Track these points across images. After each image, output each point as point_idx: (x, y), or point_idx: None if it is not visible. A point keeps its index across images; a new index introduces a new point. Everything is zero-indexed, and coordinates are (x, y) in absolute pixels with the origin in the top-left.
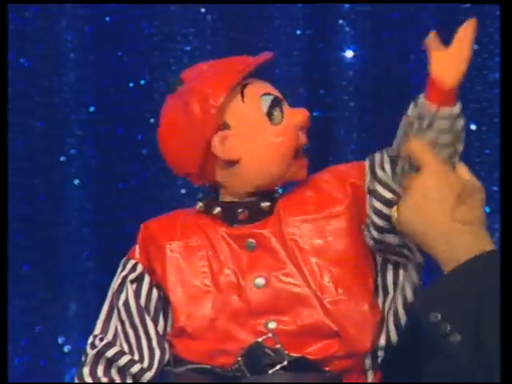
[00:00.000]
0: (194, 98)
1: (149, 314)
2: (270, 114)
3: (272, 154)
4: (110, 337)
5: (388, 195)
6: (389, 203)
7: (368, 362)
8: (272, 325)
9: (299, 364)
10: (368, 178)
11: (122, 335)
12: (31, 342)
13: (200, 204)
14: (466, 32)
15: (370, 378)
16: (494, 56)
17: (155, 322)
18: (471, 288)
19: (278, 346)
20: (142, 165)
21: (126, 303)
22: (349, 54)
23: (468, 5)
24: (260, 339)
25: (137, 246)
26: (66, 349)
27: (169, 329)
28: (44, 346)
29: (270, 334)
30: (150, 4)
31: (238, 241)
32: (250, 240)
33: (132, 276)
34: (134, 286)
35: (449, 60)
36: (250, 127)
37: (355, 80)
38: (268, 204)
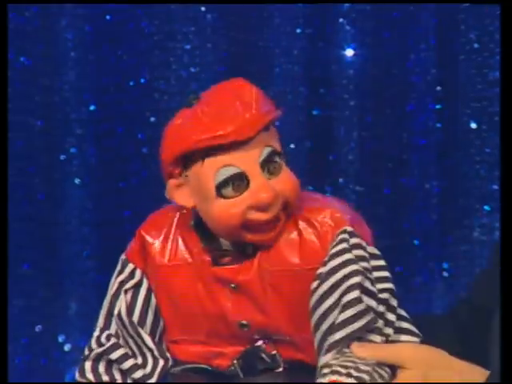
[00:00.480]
0: (167, 137)
1: (143, 326)
2: (218, 189)
3: (213, 222)
4: (113, 332)
5: None
6: None
7: None
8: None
9: (295, 369)
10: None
11: (122, 340)
12: (31, 340)
13: (191, 223)
14: None
15: None
16: (494, 55)
17: (154, 328)
18: None
19: (275, 352)
20: (142, 163)
21: (119, 316)
22: (349, 52)
23: (468, 4)
24: (256, 344)
25: (136, 249)
26: (67, 348)
27: None
28: (44, 345)
29: (267, 341)
30: (150, 3)
31: (222, 278)
32: (232, 284)
33: (129, 284)
34: (129, 296)
35: None
36: (201, 190)
37: (355, 79)
38: (251, 247)
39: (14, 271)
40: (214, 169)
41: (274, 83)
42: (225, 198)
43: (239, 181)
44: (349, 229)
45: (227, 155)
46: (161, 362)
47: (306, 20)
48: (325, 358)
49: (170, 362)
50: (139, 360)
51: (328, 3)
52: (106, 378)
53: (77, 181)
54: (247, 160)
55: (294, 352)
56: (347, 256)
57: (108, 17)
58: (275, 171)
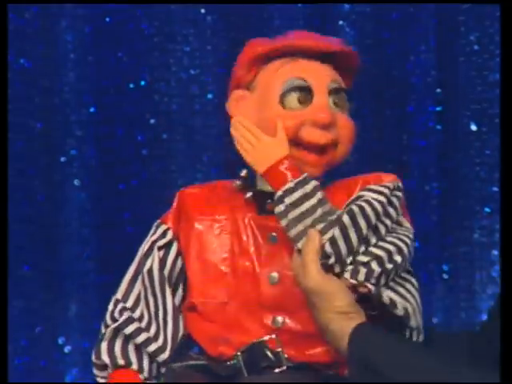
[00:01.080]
0: (248, 44)
1: (170, 284)
2: (283, 96)
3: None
4: (130, 303)
5: None
6: None
7: None
8: (279, 321)
9: (299, 369)
10: None
11: (143, 301)
12: (31, 342)
13: (237, 182)
14: None
15: None
16: (494, 57)
17: (175, 291)
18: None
19: (280, 349)
20: (141, 165)
21: (150, 271)
22: None
23: (468, 5)
24: (263, 338)
25: (171, 211)
26: (66, 349)
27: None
28: (44, 347)
29: (274, 336)
30: (150, 4)
31: (262, 231)
32: (273, 233)
33: (161, 242)
34: (162, 252)
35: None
36: (265, 100)
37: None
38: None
39: (13, 273)
40: (286, 77)
41: None
42: (286, 108)
43: (304, 94)
44: (397, 183)
45: (301, 69)
46: (170, 328)
47: (305, 21)
48: None
49: (181, 332)
50: (152, 331)
51: (328, 3)
52: (121, 362)
53: (77, 182)
54: (318, 80)
55: (298, 353)
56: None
57: (108, 18)
58: (340, 105)
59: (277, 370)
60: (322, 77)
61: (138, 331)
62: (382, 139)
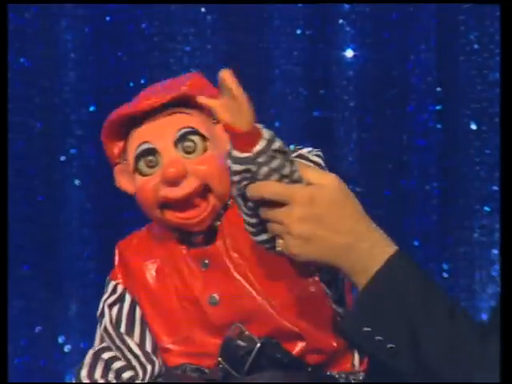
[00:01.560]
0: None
1: (132, 336)
2: (136, 165)
3: (140, 202)
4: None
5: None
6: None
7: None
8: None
9: (272, 344)
10: None
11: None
12: (31, 341)
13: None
14: (227, 82)
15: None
16: (494, 56)
17: (142, 339)
18: (392, 295)
19: (246, 332)
20: None
21: (106, 330)
22: (349, 53)
23: (468, 5)
24: (228, 335)
25: (116, 266)
26: (66, 349)
27: None
28: (44, 346)
29: (235, 325)
30: (150, 4)
31: (195, 261)
32: (205, 260)
33: (110, 300)
34: (115, 310)
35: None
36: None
37: (355, 80)
38: (219, 223)
39: (13, 272)
40: (135, 145)
41: (274, 84)
42: (143, 175)
43: (151, 157)
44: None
45: (145, 132)
46: (148, 368)
47: (305, 21)
48: None
49: (157, 368)
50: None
51: (328, 3)
52: (102, 381)
53: (77, 182)
54: (161, 137)
55: (260, 329)
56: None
57: (108, 18)
58: (192, 151)
59: (254, 352)
60: (164, 133)
61: (116, 358)
62: (382, 139)
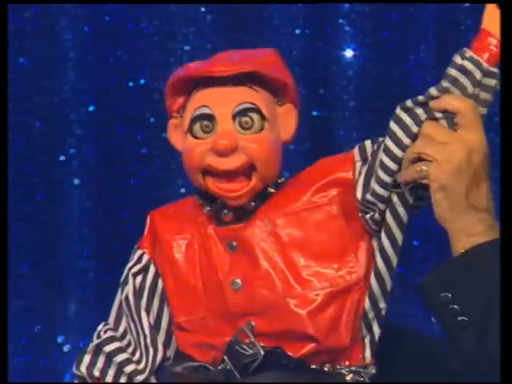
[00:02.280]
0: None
1: (147, 310)
2: (190, 126)
3: (185, 163)
4: (121, 330)
5: (398, 153)
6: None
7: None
8: (252, 325)
9: (276, 354)
10: (359, 159)
11: (128, 328)
12: (31, 341)
13: (198, 197)
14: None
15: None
16: None
17: (159, 315)
18: (483, 273)
19: (252, 339)
20: (141, 164)
21: (126, 298)
22: (348, 53)
23: (467, 5)
24: (235, 335)
25: (145, 235)
26: (66, 348)
27: None
28: (43, 346)
29: (243, 328)
30: (150, 4)
31: (222, 241)
32: (232, 242)
33: (135, 268)
34: (138, 279)
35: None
36: (184, 127)
37: (355, 79)
38: (253, 204)
39: (13, 271)
40: (194, 107)
41: None
42: (195, 137)
43: (208, 122)
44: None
45: (207, 97)
46: (150, 352)
47: (305, 21)
48: None
49: (159, 355)
50: (137, 353)
51: (328, 3)
52: (96, 374)
53: (76, 181)
54: (222, 106)
55: (273, 325)
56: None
57: (107, 17)
58: (248, 127)
59: (258, 360)
60: (226, 102)
61: (118, 350)
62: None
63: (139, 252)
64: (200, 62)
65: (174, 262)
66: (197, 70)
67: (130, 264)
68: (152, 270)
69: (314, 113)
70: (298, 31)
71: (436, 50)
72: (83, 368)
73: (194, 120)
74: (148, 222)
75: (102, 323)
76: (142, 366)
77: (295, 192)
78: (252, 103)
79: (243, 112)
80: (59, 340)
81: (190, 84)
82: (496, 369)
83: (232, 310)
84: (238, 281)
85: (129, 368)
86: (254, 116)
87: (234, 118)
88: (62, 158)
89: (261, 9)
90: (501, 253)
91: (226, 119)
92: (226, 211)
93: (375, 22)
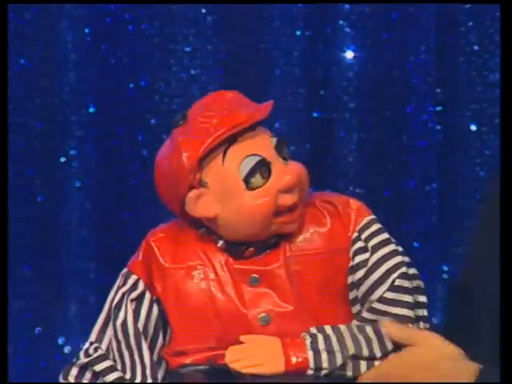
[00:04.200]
0: (175, 151)
1: (146, 336)
2: (247, 180)
3: (244, 217)
4: (104, 347)
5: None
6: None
7: None
8: None
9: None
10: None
11: (116, 353)
12: (31, 343)
13: (202, 230)
14: None
15: None
16: (494, 57)
17: (154, 341)
18: None
19: None
20: (142, 166)
21: (124, 324)
22: (349, 54)
23: (468, 6)
24: None
25: (139, 259)
26: (67, 350)
27: (167, 342)
28: (44, 347)
29: None
30: (151, 4)
31: (241, 275)
32: (254, 275)
33: (133, 295)
34: (134, 305)
35: None
36: (226, 190)
37: (355, 81)
38: (274, 238)
39: (14, 273)
40: (237, 162)
41: (273, 85)
42: (252, 189)
43: (264, 167)
44: (374, 217)
45: (245, 146)
46: (149, 380)
47: (305, 22)
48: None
49: (160, 379)
50: (127, 375)
51: (328, 3)
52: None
53: (77, 183)
54: (264, 147)
55: None
56: (393, 246)
57: (108, 18)
58: (286, 156)
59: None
60: (264, 143)
61: (110, 369)
62: (382, 139)
63: (134, 277)
64: (214, 123)
65: (182, 292)
66: (232, 127)
67: (123, 288)
68: (147, 297)
69: (315, 114)
70: (298, 32)
71: (436, 50)
72: (71, 378)
73: (251, 172)
74: (144, 246)
75: (87, 343)
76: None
77: (314, 232)
78: (277, 137)
79: (278, 144)
80: (60, 341)
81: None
82: None
83: None
84: (266, 315)
85: None
86: (283, 143)
87: (277, 153)
88: (62, 159)
89: (261, 10)
90: (501, 253)
91: (274, 157)
92: (245, 247)
93: (375, 23)
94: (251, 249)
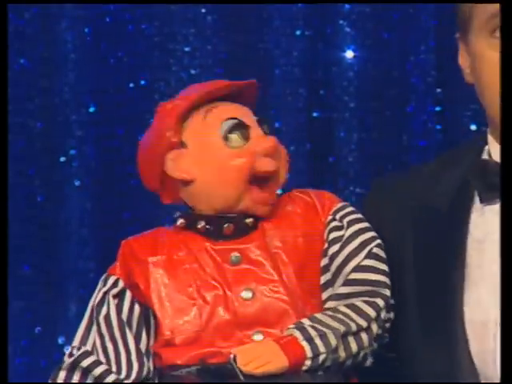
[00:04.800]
0: (156, 117)
1: (130, 329)
2: (226, 137)
3: (224, 175)
4: (88, 348)
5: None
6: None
7: None
8: (258, 337)
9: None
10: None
11: (100, 349)
12: (31, 342)
13: (181, 220)
14: None
15: None
16: None
17: (137, 337)
18: None
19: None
20: None
21: (107, 317)
22: (349, 54)
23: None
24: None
25: (117, 263)
26: (67, 349)
27: (152, 343)
28: (44, 347)
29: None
30: (150, 4)
31: (222, 255)
32: (235, 254)
33: (114, 291)
34: (116, 300)
35: None
36: (206, 148)
37: (355, 80)
38: (251, 220)
39: (13, 273)
40: (218, 121)
41: (273, 85)
42: (231, 148)
43: (244, 130)
44: (348, 203)
45: (226, 110)
46: (135, 366)
47: (305, 22)
48: (331, 302)
49: (145, 369)
50: (113, 368)
51: (328, 3)
52: None
53: (77, 182)
54: (246, 116)
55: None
56: (367, 224)
57: (108, 18)
58: (267, 132)
59: None
60: (245, 113)
61: (96, 363)
62: (382, 139)
63: (113, 278)
64: (185, 92)
65: (165, 282)
66: (206, 90)
67: (104, 288)
68: (128, 295)
69: (315, 114)
70: (298, 32)
71: (436, 50)
72: (61, 381)
73: (230, 131)
74: (121, 250)
75: (70, 347)
76: (123, 375)
77: (293, 217)
78: (260, 116)
79: (260, 121)
80: (60, 341)
81: (183, 116)
82: None
83: (240, 320)
84: (248, 291)
85: (110, 378)
86: (267, 125)
87: (258, 124)
88: (62, 159)
89: (261, 9)
90: (501, 253)
91: (255, 126)
92: (226, 224)
93: (375, 23)
94: (231, 225)
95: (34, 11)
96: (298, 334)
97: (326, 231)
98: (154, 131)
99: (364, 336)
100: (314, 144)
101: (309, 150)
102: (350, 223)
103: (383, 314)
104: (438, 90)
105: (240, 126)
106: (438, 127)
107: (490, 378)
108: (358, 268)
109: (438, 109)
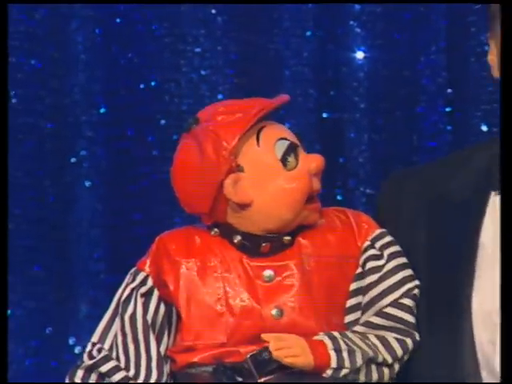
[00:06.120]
0: (208, 140)
1: (154, 331)
2: (284, 160)
3: (284, 199)
4: (106, 347)
5: None
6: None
7: None
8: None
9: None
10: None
11: (120, 347)
12: (42, 343)
13: (215, 229)
14: None
15: None
16: None
17: (159, 338)
18: None
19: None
20: (152, 166)
21: (133, 317)
22: (359, 55)
23: (478, 6)
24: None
25: (148, 258)
26: (77, 350)
27: (171, 343)
28: (55, 348)
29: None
30: (161, 5)
31: (255, 270)
32: (269, 271)
33: (142, 289)
34: (143, 299)
35: None
36: (264, 171)
37: (366, 81)
38: (289, 238)
39: (24, 273)
40: (272, 143)
41: (284, 86)
42: (289, 170)
43: (294, 151)
44: (385, 230)
45: (274, 131)
46: (154, 374)
47: (315, 22)
48: (359, 327)
49: (164, 377)
50: (131, 372)
51: (338, 4)
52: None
53: (87, 183)
54: (289, 133)
55: None
56: (406, 259)
57: (118, 19)
58: (303, 150)
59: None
60: (288, 131)
61: (116, 369)
62: (392, 140)
63: (143, 274)
64: (238, 104)
65: (195, 286)
66: (263, 108)
67: (132, 284)
68: (155, 294)
69: (325, 115)
70: (308, 33)
71: (447, 51)
72: (78, 380)
73: (288, 152)
74: (155, 245)
75: (90, 344)
76: (140, 380)
77: (329, 237)
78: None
79: (299, 138)
80: (70, 342)
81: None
82: None
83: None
84: (278, 309)
85: None
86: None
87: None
88: (72, 159)
89: (271, 10)
90: (501, 253)
91: (299, 144)
92: (264, 243)
93: (386, 23)
94: (268, 244)
95: (44, 12)
96: (328, 341)
97: (363, 258)
98: (206, 154)
99: (386, 371)
100: (324, 145)
101: (319, 151)
102: (391, 256)
103: (406, 356)
104: (449, 91)
105: (292, 147)
106: (449, 128)
107: (497, 368)
108: (396, 304)
109: (448, 109)
